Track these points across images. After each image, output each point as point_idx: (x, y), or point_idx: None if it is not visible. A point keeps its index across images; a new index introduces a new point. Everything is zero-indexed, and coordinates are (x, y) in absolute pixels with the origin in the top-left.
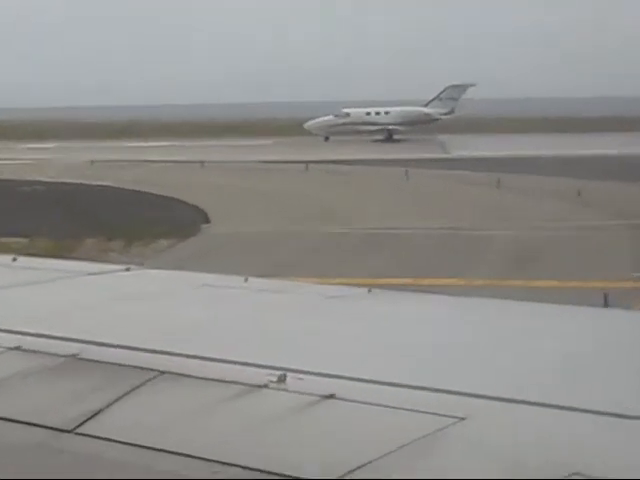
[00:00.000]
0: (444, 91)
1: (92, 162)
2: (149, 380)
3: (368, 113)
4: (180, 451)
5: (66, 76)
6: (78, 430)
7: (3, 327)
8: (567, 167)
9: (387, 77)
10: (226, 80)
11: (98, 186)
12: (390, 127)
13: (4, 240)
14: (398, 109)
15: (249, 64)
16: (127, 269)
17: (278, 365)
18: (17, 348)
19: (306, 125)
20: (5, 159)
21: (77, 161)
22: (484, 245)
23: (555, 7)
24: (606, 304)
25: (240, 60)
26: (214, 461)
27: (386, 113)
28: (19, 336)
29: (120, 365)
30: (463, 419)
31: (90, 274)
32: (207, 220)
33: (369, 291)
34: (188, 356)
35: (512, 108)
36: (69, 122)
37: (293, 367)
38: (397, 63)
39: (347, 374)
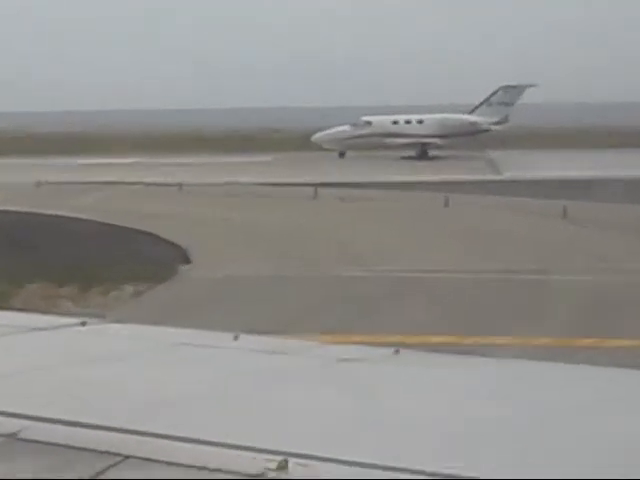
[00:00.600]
0: (495, 93)
1: (39, 184)
2: (110, 467)
3: (395, 122)
4: None
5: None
6: None
7: None
8: None
9: (420, 78)
10: (211, 82)
11: (48, 216)
12: (424, 140)
13: None
14: (435, 117)
15: (233, 63)
16: (83, 323)
17: (278, 449)
18: None
19: (315, 137)
20: None
21: (18, 182)
22: (544, 293)
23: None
24: None
25: (225, 59)
26: None
27: (419, 122)
28: None
29: (72, 447)
30: None
31: (36, 329)
32: (187, 260)
33: (396, 352)
34: (160, 436)
35: (567, 115)
36: (4, 131)
37: (296, 451)
38: (432, 61)
39: (365, 460)
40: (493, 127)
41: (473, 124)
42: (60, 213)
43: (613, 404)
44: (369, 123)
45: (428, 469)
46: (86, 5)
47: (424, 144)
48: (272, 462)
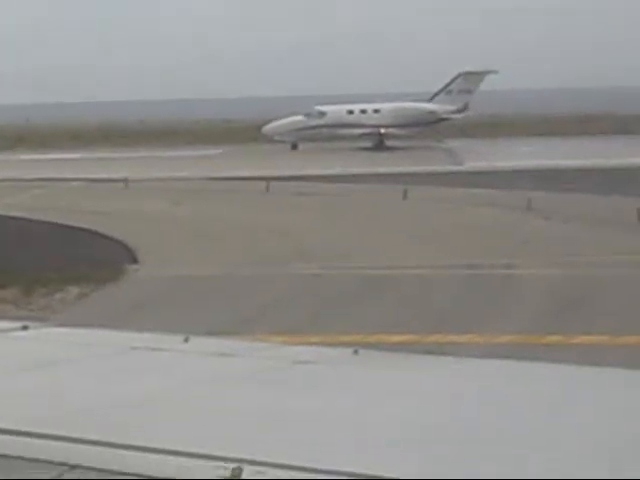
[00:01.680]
0: (454, 80)
1: None
2: (55, 478)
3: (351, 112)
4: None
5: None
6: None
7: None
8: (618, 181)
9: (374, 64)
10: (152, 72)
11: None
12: (381, 130)
13: None
14: (392, 105)
15: (171, 53)
16: (24, 327)
17: (232, 456)
18: None
19: (265, 129)
20: None
21: None
22: (508, 289)
23: None
24: None
25: (164, 50)
26: None
27: (375, 111)
28: None
29: (13, 457)
30: None
31: None
32: (134, 259)
33: (355, 352)
34: (107, 444)
35: (531, 102)
36: None
37: (251, 458)
38: (386, 46)
39: (324, 466)
40: (453, 116)
41: (432, 113)
42: None
43: (575, 402)
44: (323, 113)
45: (386, 475)
46: None
47: (381, 134)
48: (226, 469)
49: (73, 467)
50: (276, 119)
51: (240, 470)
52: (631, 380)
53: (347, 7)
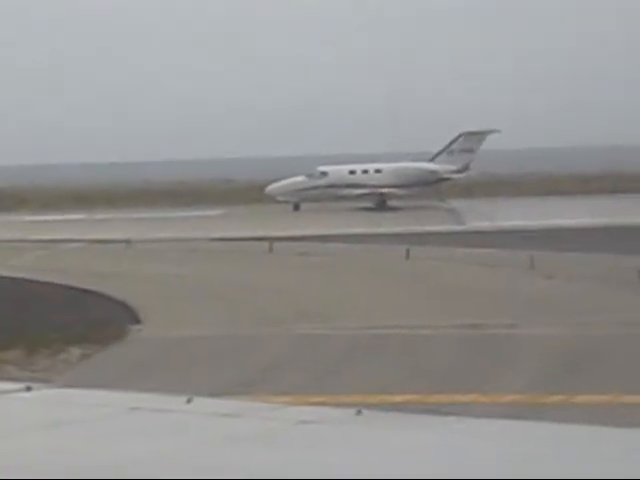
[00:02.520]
0: (456, 140)
1: None
2: None
3: (352, 172)
4: None
5: None
6: None
7: None
8: (619, 240)
9: (375, 124)
10: (155, 132)
11: None
12: (383, 190)
13: None
14: (393, 166)
15: (177, 111)
16: (27, 388)
17: None
18: None
19: (269, 189)
20: None
21: None
22: (511, 348)
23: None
24: None
25: (174, 107)
26: None
27: (377, 172)
28: None
29: None
30: None
31: None
32: (137, 320)
33: (358, 413)
34: None
35: (533, 161)
36: None
37: None
38: (389, 104)
39: None
40: (454, 175)
41: (433, 173)
42: None
43: (579, 462)
44: (325, 173)
45: None
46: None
47: (383, 194)
48: None
49: None
50: (279, 179)
51: None
52: (635, 440)
53: (346, 69)
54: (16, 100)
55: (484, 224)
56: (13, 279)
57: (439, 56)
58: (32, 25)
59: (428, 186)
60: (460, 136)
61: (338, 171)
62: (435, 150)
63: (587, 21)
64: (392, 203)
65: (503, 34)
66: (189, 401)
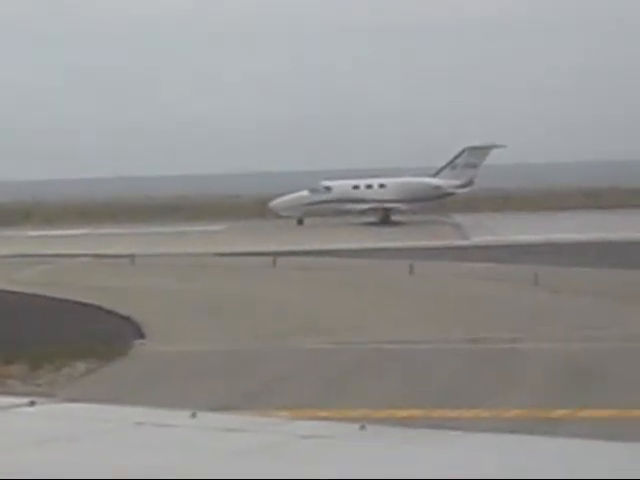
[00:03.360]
0: (460, 155)
1: None
2: None
3: (356, 186)
4: None
5: None
6: None
7: None
8: (624, 254)
9: (378, 140)
10: (153, 148)
11: None
12: (387, 205)
13: None
14: (397, 180)
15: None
16: (31, 403)
17: None
18: None
19: (272, 204)
20: None
21: None
22: (516, 363)
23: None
24: None
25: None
26: None
27: (381, 186)
28: None
29: None
30: None
31: None
32: (140, 334)
33: (362, 428)
34: None
35: (537, 176)
36: None
37: None
38: (391, 122)
39: None
40: (458, 190)
41: (437, 188)
42: (1, 287)
43: (583, 476)
44: (329, 188)
45: None
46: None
47: (386, 209)
48: None
49: None
50: (282, 194)
51: None
52: (638, 454)
53: (349, 82)
54: (14, 116)
55: (488, 238)
56: (17, 293)
57: (441, 71)
58: (31, 40)
59: (432, 201)
60: (464, 151)
61: (342, 186)
62: (439, 165)
63: (590, 37)
64: (396, 218)
65: (507, 47)
66: (193, 415)
